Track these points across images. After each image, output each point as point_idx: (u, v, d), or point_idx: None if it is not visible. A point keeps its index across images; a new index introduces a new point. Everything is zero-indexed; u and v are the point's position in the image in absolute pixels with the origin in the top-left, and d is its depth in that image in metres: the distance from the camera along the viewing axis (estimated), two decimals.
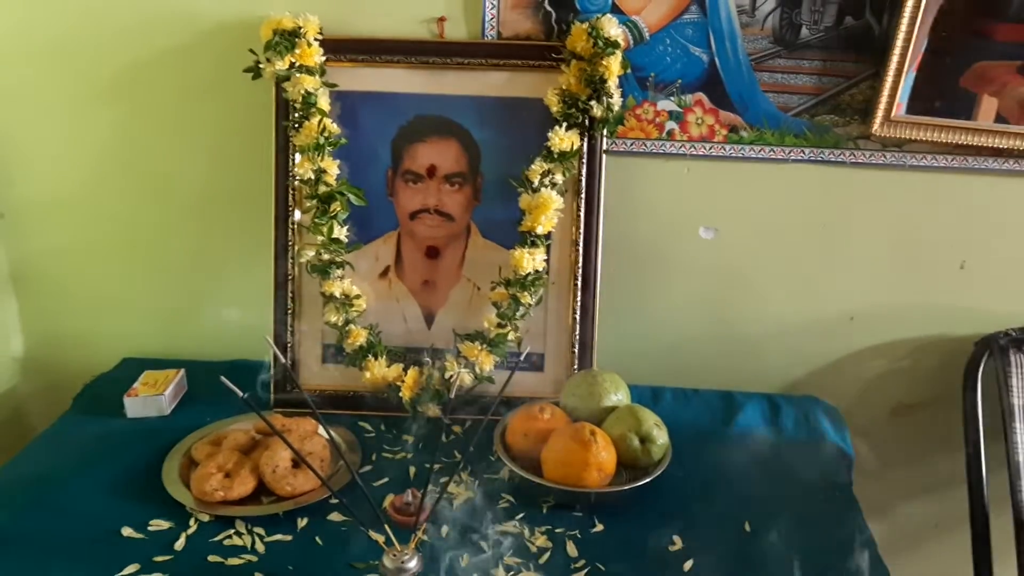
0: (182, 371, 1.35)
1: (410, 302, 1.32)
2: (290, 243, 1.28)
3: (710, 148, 1.30)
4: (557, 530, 1.06)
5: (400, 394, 1.26)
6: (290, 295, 1.29)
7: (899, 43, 1.18)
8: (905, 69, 1.20)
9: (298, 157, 1.23)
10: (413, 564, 0.89)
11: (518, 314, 1.25)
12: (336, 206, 1.23)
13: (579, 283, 1.29)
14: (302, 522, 1.06)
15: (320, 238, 1.23)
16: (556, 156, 1.21)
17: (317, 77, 1.21)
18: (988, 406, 1.33)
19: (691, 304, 1.41)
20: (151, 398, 1.28)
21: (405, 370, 1.27)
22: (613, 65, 1.18)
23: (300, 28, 1.19)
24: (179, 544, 1.01)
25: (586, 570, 1.00)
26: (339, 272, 1.25)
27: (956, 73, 1.21)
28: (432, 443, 1.23)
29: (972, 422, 1.32)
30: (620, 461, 1.12)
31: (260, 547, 1.02)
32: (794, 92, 1.26)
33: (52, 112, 1.33)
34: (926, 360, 1.43)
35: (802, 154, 1.30)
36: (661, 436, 1.14)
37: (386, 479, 1.15)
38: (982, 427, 1.32)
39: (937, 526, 1.56)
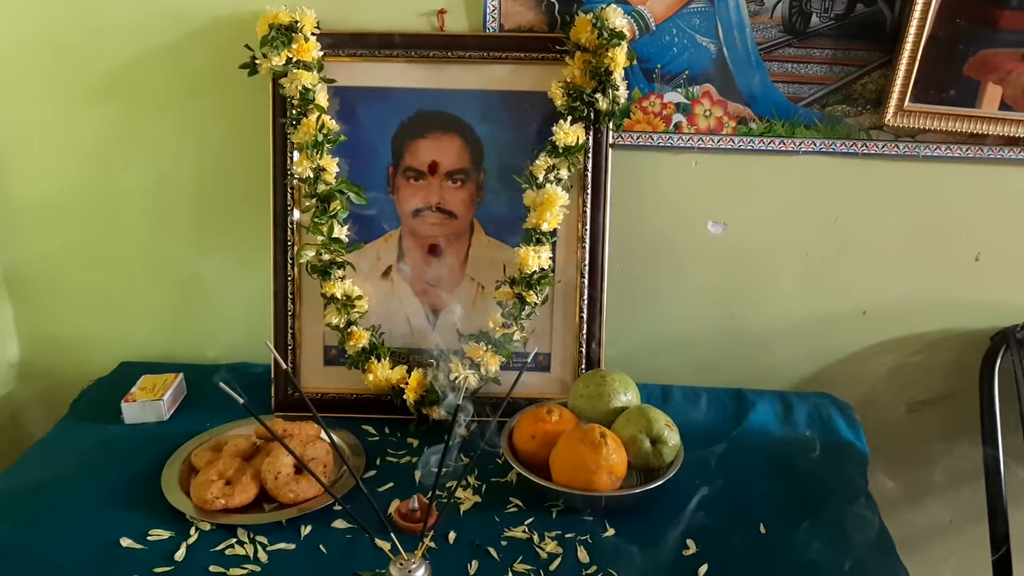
0: (181, 375, 1.33)
1: (413, 302, 1.30)
2: (289, 243, 1.26)
3: (718, 141, 1.28)
4: (567, 535, 1.04)
5: (404, 396, 1.23)
6: (290, 296, 1.27)
7: (912, 30, 1.15)
8: (919, 57, 1.17)
9: (296, 155, 1.20)
10: (421, 573, 0.87)
11: (524, 313, 1.22)
12: (336, 205, 1.21)
13: (586, 281, 1.26)
14: (305, 530, 1.04)
15: (320, 238, 1.21)
16: (561, 151, 1.19)
17: (315, 72, 1.19)
18: (1005, 400, 1.30)
19: (700, 300, 1.39)
20: (149, 403, 1.26)
21: (409, 372, 1.25)
22: (618, 56, 1.15)
23: (297, 22, 1.17)
24: (179, 554, 0.99)
25: None
26: (340, 272, 1.23)
27: (960, 61, 1.18)
28: (438, 447, 1.20)
29: (990, 417, 1.30)
30: (631, 463, 1.09)
31: (263, 556, 0.99)
32: (804, 82, 1.23)
33: (45, 113, 1.31)
34: (941, 355, 1.41)
35: (813, 145, 1.27)
36: (672, 437, 1.11)
37: (391, 484, 1.13)
38: (999, 421, 1.29)
39: (952, 522, 1.54)
